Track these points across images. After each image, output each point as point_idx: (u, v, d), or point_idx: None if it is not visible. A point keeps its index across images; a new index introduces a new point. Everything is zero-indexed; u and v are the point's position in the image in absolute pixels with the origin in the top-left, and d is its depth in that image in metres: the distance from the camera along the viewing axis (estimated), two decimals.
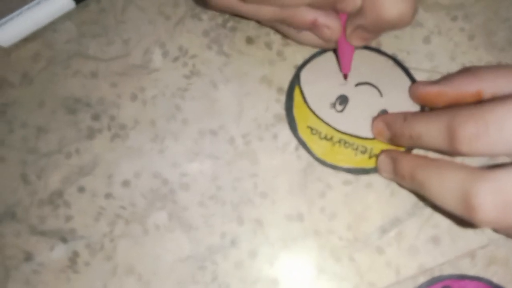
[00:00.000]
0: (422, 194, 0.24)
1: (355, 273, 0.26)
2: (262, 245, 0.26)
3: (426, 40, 0.29)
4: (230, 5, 0.24)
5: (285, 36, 0.27)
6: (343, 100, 0.28)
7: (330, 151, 0.27)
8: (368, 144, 0.27)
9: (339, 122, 0.27)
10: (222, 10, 0.26)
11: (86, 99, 0.28)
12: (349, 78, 0.28)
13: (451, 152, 0.23)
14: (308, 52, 0.28)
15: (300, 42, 0.27)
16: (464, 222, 0.23)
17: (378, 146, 0.27)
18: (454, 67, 0.28)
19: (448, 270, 0.26)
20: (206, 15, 0.29)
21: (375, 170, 0.27)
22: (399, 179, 0.26)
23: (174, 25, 0.29)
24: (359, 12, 0.23)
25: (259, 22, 0.28)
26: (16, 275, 0.26)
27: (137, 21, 0.29)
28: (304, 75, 0.28)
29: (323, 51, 0.28)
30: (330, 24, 0.24)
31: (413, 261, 0.26)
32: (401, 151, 0.27)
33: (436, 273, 0.26)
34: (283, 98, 0.28)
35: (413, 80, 0.28)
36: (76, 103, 0.28)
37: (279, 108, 0.28)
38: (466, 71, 0.26)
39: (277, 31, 0.28)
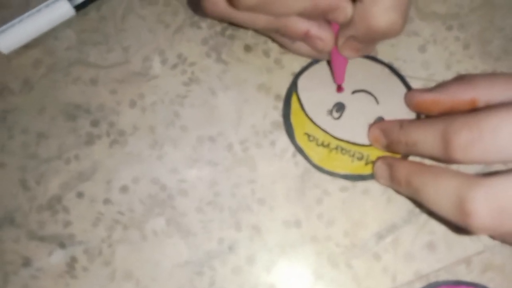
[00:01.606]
0: (418, 200, 0.24)
1: (352, 279, 0.26)
2: (260, 251, 0.27)
3: (422, 49, 0.29)
4: (224, 13, 0.24)
5: (281, 45, 0.28)
6: (340, 107, 0.28)
7: (327, 158, 0.27)
8: (365, 151, 0.27)
9: (336, 129, 0.28)
10: (218, 18, 0.26)
11: (86, 106, 0.28)
12: (345, 86, 0.28)
13: (446, 159, 0.23)
14: (305, 60, 0.29)
15: (295, 52, 0.27)
16: (460, 229, 0.23)
17: (374, 153, 0.27)
18: (449, 76, 0.29)
19: (444, 276, 0.26)
20: (205, 24, 0.29)
21: (371, 176, 0.27)
22: (395, 185, 0.26)
23: (173, 33, 0.29)
24: (350, 22, 0.23)
25: (256, 31, 0.29)
26: (14, 280, 0.26)
27: (137, 29, 0.29)
28: (301, 82, 0.28)
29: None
30: (323, 36, 0.24)
31: (409, 267, 0.26)
32: (397, 158, 0.27)
33: (432, 279, 0.26)
34: (281, 105, 0.28)
35: (409, 88, 0.28)
36: (76, 110, 0.28)
37: (277, 115, 0.28)
38: (461, 79, 0.26)
39: (274, 40, 0.28)
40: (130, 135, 0.28)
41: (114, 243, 0.27)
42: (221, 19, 0.27)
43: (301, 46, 0.26)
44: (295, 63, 0.29)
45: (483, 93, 0.24)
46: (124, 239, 0.27)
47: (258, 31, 0.28)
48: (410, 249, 0.27)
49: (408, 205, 0.27)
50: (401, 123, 0.26)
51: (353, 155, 0.27)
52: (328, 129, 0.28)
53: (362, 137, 0.28)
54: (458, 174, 0.22)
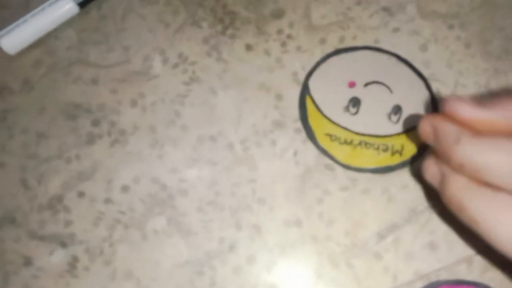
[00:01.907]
0: (472, 228, 0.20)
1: (353, 279, 0.26)
2: (260, 251, 0.27)
3: (423, 48, 0.29)
4: None
5: None
6: (355, 102, 0.28)
7: (353, 155, 0.27)
8: (388, 142, 0.27)
9: (355, 124, 0.28)
10: None
11: (86, 105, 0.28)
12: (357, 80, 0.28)
13: None
14: (307, 59, 0.29)
15: None
16: None
17: (398, 142, 0.27)
18: (450, 75, 0.28)
19: (445, 276, 0.26)
20: (205, 23, 0.29)
21: (400, 165, 0.27)
22: (445, 200, 0.21)
23: (174, 33, 0.29)
24: None
25: None
26: (15, 280, 0.26)
27: (137, 29, 0.29)
28: (312, 84, 0.28)
29: (326, 57, 0.29)
30: None
31: (410, 267, 0.26)
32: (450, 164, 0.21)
33: (433, 279, 0.26)
34: (281, 104, 0.28)
35: (418, 72, 0.28)
36: (76, 109, 0.28)
37: (278, 115, 0.28)
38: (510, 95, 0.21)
39: None
40: (130, 134, 0.28)
41: (115, 243, 0.27)
42: None
43: None
44: (296, 62, 0.29)
45: None
46: (125, 238, 0.27)
47: None
48: (410, 249, 0.27)
49: (408, 204, 0.27)
50: (459, 137, 0.20)
51: (377, 148, 0.27)
52: (348, 126, 0.28)
53: (383, 128, 0.27)
54: None
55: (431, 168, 0.22)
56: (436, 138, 0.21)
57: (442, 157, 0.21)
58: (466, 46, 0.29)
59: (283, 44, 0.29)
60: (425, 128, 0.22)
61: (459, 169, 0.20)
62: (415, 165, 0.27)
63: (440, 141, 0.21)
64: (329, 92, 0.28)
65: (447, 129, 0.21)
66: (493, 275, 0.26)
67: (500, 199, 0.19)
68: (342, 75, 0.28)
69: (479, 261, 0.26)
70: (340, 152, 0.27)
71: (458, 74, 0.29)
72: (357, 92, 0.28)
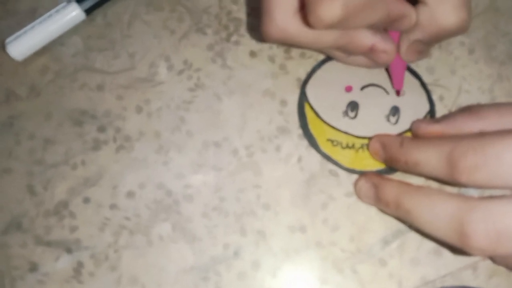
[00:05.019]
0: (407, 221, 0.24)
1: (358, 284, 0.26)
2: (265, 256, 0.27)
3: None
4: (292, 37, 0.23)
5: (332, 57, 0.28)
6: (353, 106, 0.28)
7: (356, 159, 0.27)
8: None
9: (355, 128, 0.28)
10: (279, 42, 0.25)
11: (92, 112, 0.28)
12: (353, 84, 0.28)
13: (450, 181, 0.23)
14: (310, 65, 0.29)
15: (348, 64, 0.27)
16: (454, 248, 0.23)
17: None
18: (454, 81, 0.29)
19: (450, 282, 0.26)
20: (210, 30, 0.29)
21: None
22: (382, 205, 0.26)
23: (179, 39, 0.29)
24: (414, 27, 0.24)
25: (308, 49, 0.28)
26: (21, 286, 0.26)
27: (143, 35, 0.29)
28: (309, 90, 0.28)
29: (321, 63, 0.29)
30: (387, 48, 0.24)
31: (415, 273, 0.26)
32: (383, 177, 0.27)
33: (438, 285, 0.26)
34: (286, 110, 0.28)
35: (412, 71, 0.28)
36: (82, 115, 0.28)
37: (282, 121, 0.28)
38: (468, 110, 0.26)
39: (325, 53, 0.28)
40: (136, 140, 0.28)
41: (120, 248, 0.27)
42: (282, 43, 0.26)
43: (358, 59, 0.26)
44: (300, 68, 0.29)
45: (491, 125, 0.24)
46: (130, 244, 0.27)
47: (313, 49, 0.28)
48: (416, 255, 0.27)
49: None
50: (402, 141, 0.25)
51: None
52: (348, 130, 0.28)
53: (382, 130, 0.28)
54: (455, 196, 0.22)
55: (364, 187, 0.26)
56: (384, 149, 0.26)
57: (391, 162, 0.26)
58: (470, 52, 0.29)
59: (287, 50, 0.29)
60: (374, 147, 0.27)
61: (405, 166, 0.25)
62: None
63: (388, 150, 0.26)
64: (327, 98, 0.28)
65: (392, 139, 0.26)
66: (498, 281, 0.26)
67: (427, 191, 0.23)
68: (338, 79, 0.28)
69: (484, 267, 0.26)
70: (343, 156, 0.27)
71: (462, 79, 0.29)
72: (354, 96, 0.28)
